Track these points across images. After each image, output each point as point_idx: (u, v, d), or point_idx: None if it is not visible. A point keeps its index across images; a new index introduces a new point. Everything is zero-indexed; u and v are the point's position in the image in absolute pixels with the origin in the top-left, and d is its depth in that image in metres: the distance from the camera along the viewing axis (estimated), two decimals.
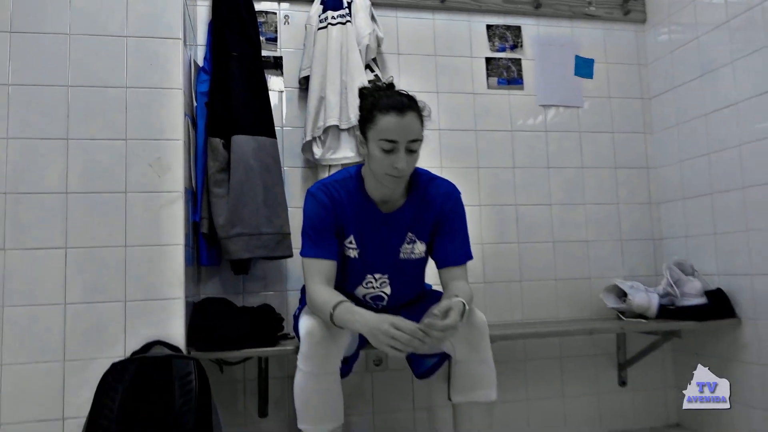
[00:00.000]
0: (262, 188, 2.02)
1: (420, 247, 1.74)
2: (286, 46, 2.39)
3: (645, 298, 2.30)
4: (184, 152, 1.81)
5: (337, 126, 2.18)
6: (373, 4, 2.37)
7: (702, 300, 2.24)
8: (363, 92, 1.65)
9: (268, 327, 1.96)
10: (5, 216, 1.65)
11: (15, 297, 1.64)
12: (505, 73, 2.58)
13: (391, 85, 1.64)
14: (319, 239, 1.63)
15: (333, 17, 2.25)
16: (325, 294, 1.56)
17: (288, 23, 2.40)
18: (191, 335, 1.80)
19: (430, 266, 1.81)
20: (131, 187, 1.73)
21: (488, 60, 2.57)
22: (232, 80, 2.06)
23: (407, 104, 1.55)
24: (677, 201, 2.54)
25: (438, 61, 2.53)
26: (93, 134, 1.73)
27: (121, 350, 1.67)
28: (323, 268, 1.61)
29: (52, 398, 1.62)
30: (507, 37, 2.61)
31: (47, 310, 1.65)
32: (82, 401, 1.58)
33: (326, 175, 2.15)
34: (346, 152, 2.18)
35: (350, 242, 1.69)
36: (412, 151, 1.56)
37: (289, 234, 2.06)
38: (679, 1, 2.50)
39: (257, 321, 1.95)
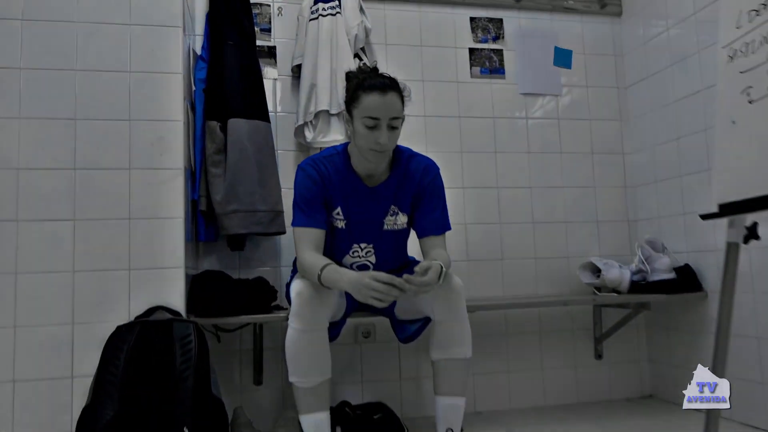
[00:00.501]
0: (257, 168, 2.13)
1: (402, 219, 1.87)
2: (279, 37, 2.52)
3: (617, 273, 2.43)
4: (184, 133, 1.94)
5: (327, 111, 2.30)
6: None
7: (671, 275, 2.37)
8: (349, 75, 1.79)
9: (263, 298, 2.09)
10: (18, 190, 1.77)
11: (28, 264, 1.76)
12: (487, 63, 2.72)
13: (375, 69, 1.78)
14: (309, 209, 1.76)
15: (324, 9, 2.37)
16: (313, 258, 1.70)
17: (281, 15, 2.53)
18: (190, 305, 1.92)
19: (413, 240, 1.93)
20: (135, 164, 1.85)
21: (471, 50, 2.70)
22: (228, 67, 2.17)
23: (389, 85, 1.69)
24: (650, 184, 2.67)
25: (424, 51, 2.66)
26: (99, 115, 1.85)
27: (125, 314, 1.79)
28: (313, 236, 1.75)
29: (62, 358, 1.74)
30: (489, 29, 2.74)
31: (57, 277, 1.77)
32: (89, 360, 1.70)
33: None
34: (335, 135, 2.30)
35: (337, 213, 1.82)
36: (393, 128, 1.70)
37: (283, 212, 2.18)
38: None
39: (252, 292, 2.07)
